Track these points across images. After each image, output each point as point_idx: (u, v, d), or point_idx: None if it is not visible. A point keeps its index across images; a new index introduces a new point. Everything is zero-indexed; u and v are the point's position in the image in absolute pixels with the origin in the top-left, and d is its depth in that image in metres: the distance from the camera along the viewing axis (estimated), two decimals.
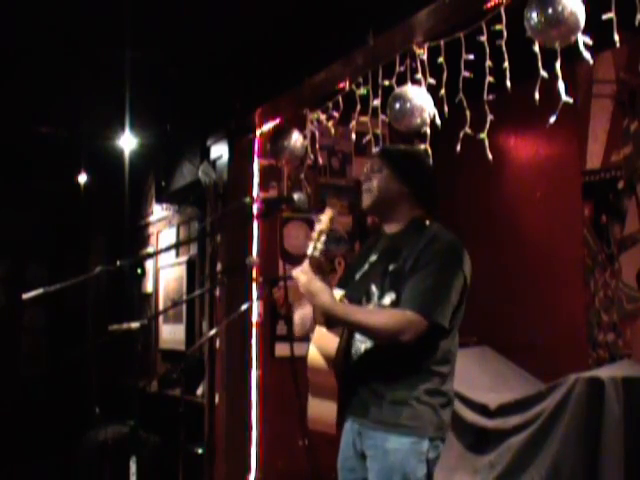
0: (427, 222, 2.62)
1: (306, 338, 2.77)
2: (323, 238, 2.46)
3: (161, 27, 4.54)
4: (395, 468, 2.44)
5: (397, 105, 3.65)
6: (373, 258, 2.71)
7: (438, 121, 3.61)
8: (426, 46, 3.54)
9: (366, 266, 2.73)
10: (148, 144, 6.26)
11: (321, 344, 2.64)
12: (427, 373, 2.49)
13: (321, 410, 2.65)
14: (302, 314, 2.78)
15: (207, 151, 5.44)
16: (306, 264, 2.48)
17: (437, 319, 2.42)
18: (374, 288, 2.59)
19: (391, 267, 2.56)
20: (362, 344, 2.56)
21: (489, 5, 3.08)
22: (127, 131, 5.87)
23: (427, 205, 2.67)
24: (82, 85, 5.28)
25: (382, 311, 2.53)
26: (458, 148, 3.41)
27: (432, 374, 2.49)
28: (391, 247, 2.63)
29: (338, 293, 2.67)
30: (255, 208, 4.58)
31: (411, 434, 2.45)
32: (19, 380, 8.01)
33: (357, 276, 2.76)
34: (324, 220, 2.48)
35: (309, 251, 2.48)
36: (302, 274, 2.48)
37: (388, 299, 2.53)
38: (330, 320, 2.64)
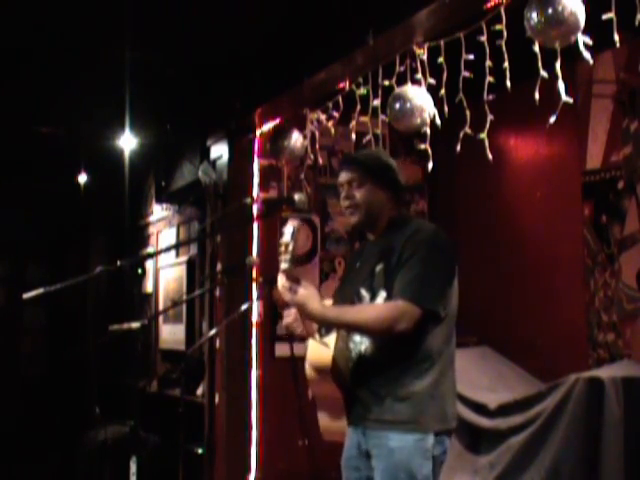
0: (406, 218, 2.66)
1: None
2: (290, 248, 2.45)
3: (161, 27, 4.54)
4: (401, 466, 2.44)
5: (397, 105, 3.65)
6: (358, 264, 2.74)
7: (438, 121, 3.60)
8: (426, 46, 3.54)
9: (352, 274, 2.76)
10: (148, 144, 6.26)
11: (317, 355, 2.64)
12: (426, 365, 2.49)
13: (332, 421, 2.66)
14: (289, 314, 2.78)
15: (207, 151, 5.44)
16: (283, 280, 2.47)
17: (429, 305, 2.43)
18: (364, 291, 2.60)
19: (378, 268, 2.57)
20: (360, 346, 2.57)
21: (489, 5, 3.08)
22: (127, 131, 5.87)
23: (401, 202, 2.71)
24: (82, 85, 5.28)
25: (373, 306, 2.54)
26: (458, 148, 3.41)
27: (431, 365, 2.49)
28: (375, 250, 2.66)
29: (327, 304, 2.68)
30: (255, 208, 4.60)
31: (415, 431, 2.45)
32: (19, 380, 8.01)
33: (344, 285, 2.78)
34: (287, 232, 2.46)
35: (282, 266, 2.47)
36: (284, 291, 2.47)
37: (380, 299, 2.54)
38: (323, 326, 2.65)
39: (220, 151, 5.31)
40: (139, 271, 7.72)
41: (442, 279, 2.50)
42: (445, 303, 2.50)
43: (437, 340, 2.51)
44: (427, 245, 2.51)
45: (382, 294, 2.53)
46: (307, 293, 2.46)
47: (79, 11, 4.28)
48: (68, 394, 7.49)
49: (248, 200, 4.50)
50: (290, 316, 2.65)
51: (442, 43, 3.41)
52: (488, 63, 3.15)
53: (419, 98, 3.62)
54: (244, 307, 4.36)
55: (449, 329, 2.56)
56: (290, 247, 2.44)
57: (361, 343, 2.56)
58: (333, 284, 5.27)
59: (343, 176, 2.67)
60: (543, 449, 3.67)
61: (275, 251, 5.22)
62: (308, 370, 2.68)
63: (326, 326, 2.63)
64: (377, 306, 2.53)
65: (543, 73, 2.87)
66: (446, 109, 3.51)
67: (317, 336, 2.68)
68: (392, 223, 2.64)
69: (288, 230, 2.46)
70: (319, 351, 2.63)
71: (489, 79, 3.19)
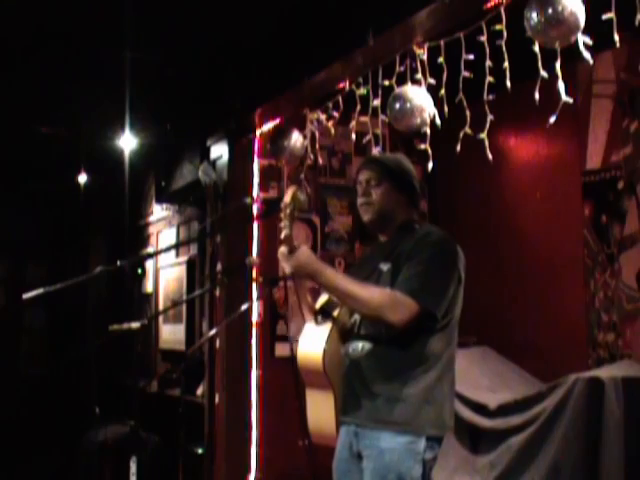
0: (417, 223, 2.67)
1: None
2: (288, 211, 2.46)
3: (161, 27, 4.54)
4: (390, 467, 2.43)
5: (397, 105, 3.66)
6: (365, 263, 2.77)
7: (438, 121, 3.61)
8: (426, 46, 3.54)
9: (357, 270, 2.77)
10: (148, 144, 6.26)
11: (311, 344, 2.64)
12: (426, 368, 2.48)
13: (321, 422, 2.66)
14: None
15: (207, 151, 5.44)
16: (281, 248, 2.48)
17: (426, 303, 2.43)
18: None
19: (385, 268, 2.58)
20: (358, 342, 2.56)
21: (489, 5, 3.08)
22: (127, 131, 5.87)
23: (417, 208, 2.73)
24: (82, 85, 5.28)
25: (374, 286, 2.53)
26: (458, 148, 3.41)
27: (431, 369, 2.48)
28: (383, 251, 2.67)
29: (323, 298, 2.68)
30: (255, 208, 4.60)
31: (407, 433, 2.44)
32: (19, 380, 8.01)
33: None
34: (286, 199, 2.48)
35: (282, 235, 2.47)
36: (282, 259, 2.48)
37: (378, 287, 2.54)
38: (320, 311, 2.67)
39: (220, 151, 5.31)
40: (139, 271, 7.72)
41: (445, 282, 2.49)
42: (445, 306, 2.48)
43: (437, 344, 2.50)
44: (434, 248, 2.52)
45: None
46: (304, 255, 2.46)
47: (79, 11, 4.28)
48: (68, 394, 7.49)
49: (248, 200, 4.50)
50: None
51: (442, 43, 3.41)
52: (488, 63, 3.15)
53: (419, 98, 3.62)
54: (244, 307, 4.37)
55: (450, 334, 2.55)
56: (288, 210, 2.45)
57: (358, 340, 2.56)
58: None
59: (362, 174, 2.71)
60: (543, 449, 3.67)
61: (275, 251, 5.24)
62: (303, 354, 2.67)
63: (319, 284, 2.60)
64: (374, 288, 2.51)
65: (543, 73, 2.87)
66: (446, 109, 3.51)
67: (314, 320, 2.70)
68: (403, 226, 2.66)
69: (288, 193, 2.47)
70: (316, 336, 2.63)
71: (489, 79, 3.19)
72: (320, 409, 2.65)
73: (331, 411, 2.61)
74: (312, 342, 2.63)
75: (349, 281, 2.50)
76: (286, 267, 2.48)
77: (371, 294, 2.46)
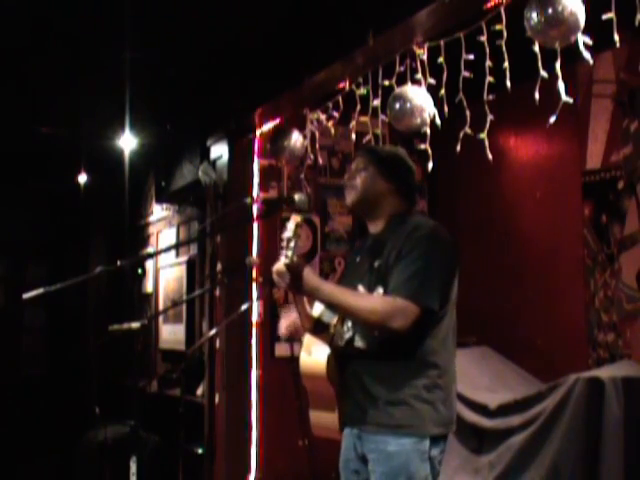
0: (408, 215, 2.63)
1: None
2: (292, 244, 2.44)
3: (161, 27, 4.54)
4: (400, 470, 2.43)
5: (397, 105, 3.66)
6: (358, 259, 2.73)
7: (438, 121, 3.61)
8: (426, 46, 3.54)
9: (351, 268, 2.76)
10: (148, 144, 6.26)
11: (311, 351, 2.64)
12: (423, 367, 2.47)
13: (323, 417, 2.66)
14: (288, 322, 2.79)
15: (207, 151, 5.44)
16: (277, 265, 2.43)
17: (427, 303, 2.41)
18: (361, 287, 2.59)
19: (376, 263, 2.56)
20: (353, 348, 2.55)
21: (489, 5, 3.08)
22: (127, 131, 5.87)
23: (409, 201, 2.69)
24: (82, 85, 5.28)
25: (372, 296, 2.52)
26: (458, 148, 3.41)
27: (428, 367, 2.47)
28: (374, 245, 2.64)
29: (320, 306, 2.67)
30: (255, 208, 4.60)
31: (412, 434, 2.44)
32: (19, 380, 8.01)
33: (343, 279, 2.78)
34: (290, 227, 2.46)
35: (282, 261, 2.43)
36: (277, 277, 2.44)
37: (376, 295, 2.52)
38: (317, 325, 2.66)
39: (220, 151, 5.31)
40: (139, 271, 7.72)
41: (441, 277, 2.48)
42: (443, 301, 2.48)
43: (432, 341, 2.48)
44: (427, 242, 2.49)
45: (379, 290, 2.51)
46: (304, 272, 2.43)
47: (79, 11, 4.28)
48: (68, 394, 7.49)
49: (248, 200, 4.50)
50: (286, 323, 2.67)
51: (442, 43, 3.40)
52: (488, 63, 3.15)
53: (419, 98, 3.62)
54: (244, 307, 4.37)
55: (446, 329, 2.53)
56: (292, 243, 2.44)
57: (357, 341, 2.55)
58: None
59: (353, 162, 2.73)
60: (543, 449, 3.67)
61: (275, 251, 5.23)
62: (305, 361, 2.67)
63: (319, 301, 2.60)
64: (375, 298, 2.50)
65: (543, 73, 2.87)
66: (446, 109, 3.51)
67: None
68: (393, 219, 2.63)
69: (290, 225, 2.46)
70: (316, 344, 2.63)
71: (489, 79, 3.19)
72: (324, 416, 2.66)
73: (335, 417, 2.62)
74: (314, 350, 2.64)
75: (348, 294, 2.49)
76: (282, 283, 2.44)
77: (372, 305, 2.45)
